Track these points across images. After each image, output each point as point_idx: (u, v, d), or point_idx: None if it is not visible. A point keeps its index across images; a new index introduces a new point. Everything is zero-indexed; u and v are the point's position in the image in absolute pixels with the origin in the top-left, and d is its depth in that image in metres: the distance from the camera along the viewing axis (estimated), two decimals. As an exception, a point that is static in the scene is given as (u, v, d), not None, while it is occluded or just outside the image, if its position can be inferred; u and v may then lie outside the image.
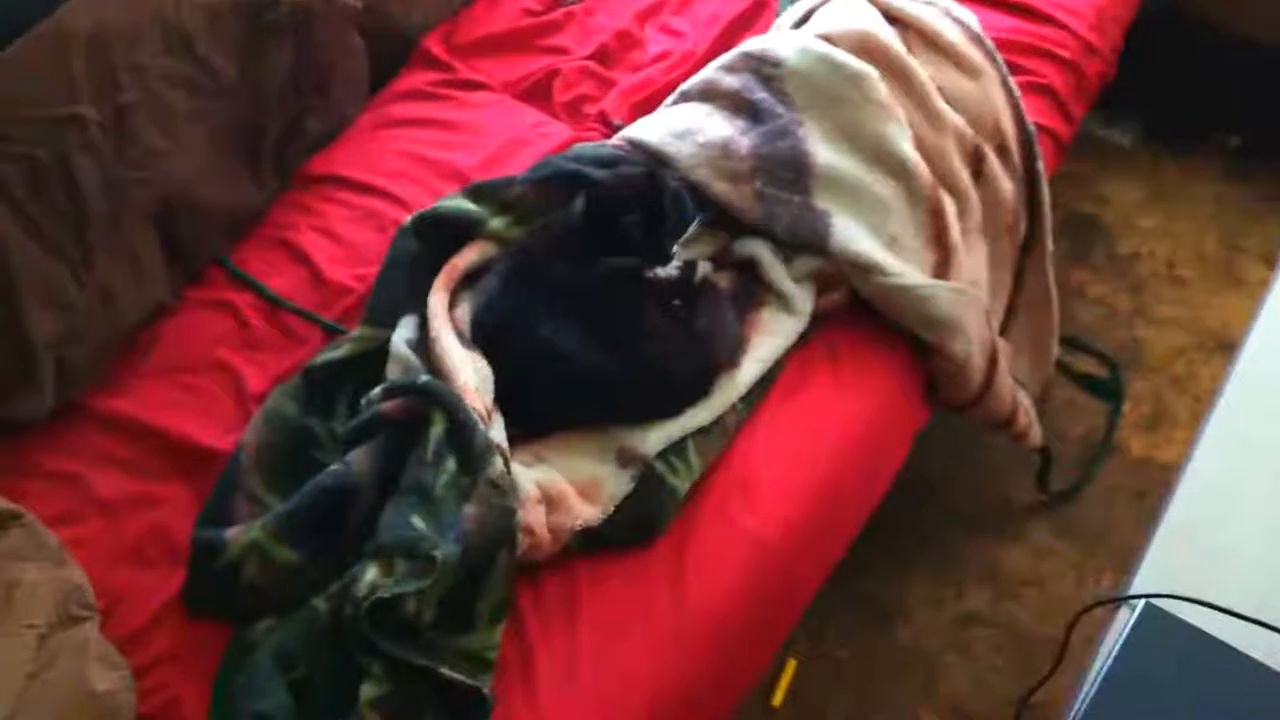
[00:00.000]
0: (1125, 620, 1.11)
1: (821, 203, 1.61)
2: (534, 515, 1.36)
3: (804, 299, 1.60)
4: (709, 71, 1.73)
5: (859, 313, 1.63)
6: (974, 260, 1.73)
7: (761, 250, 1.62)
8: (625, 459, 1.43)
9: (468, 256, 1.57)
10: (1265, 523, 1.18)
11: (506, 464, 1.36)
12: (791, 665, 1.85)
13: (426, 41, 2.02)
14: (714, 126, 1.65)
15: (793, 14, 1.86)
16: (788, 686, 1.84)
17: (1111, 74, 2.08)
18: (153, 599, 1.37)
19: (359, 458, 1.37)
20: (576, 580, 1.38)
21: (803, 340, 1.59)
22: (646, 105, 1.86)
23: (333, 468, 1.37)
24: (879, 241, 1.60)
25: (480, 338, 1.49)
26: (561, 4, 2.09)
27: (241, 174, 1.74)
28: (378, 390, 1.43)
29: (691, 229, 1.53)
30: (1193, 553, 1.16)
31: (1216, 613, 1.08)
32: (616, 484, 1.42)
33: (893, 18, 1.80)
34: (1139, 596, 1.11)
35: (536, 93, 1.96)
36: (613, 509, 1.40)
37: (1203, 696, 1.05)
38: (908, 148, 1.64)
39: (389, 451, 1.38)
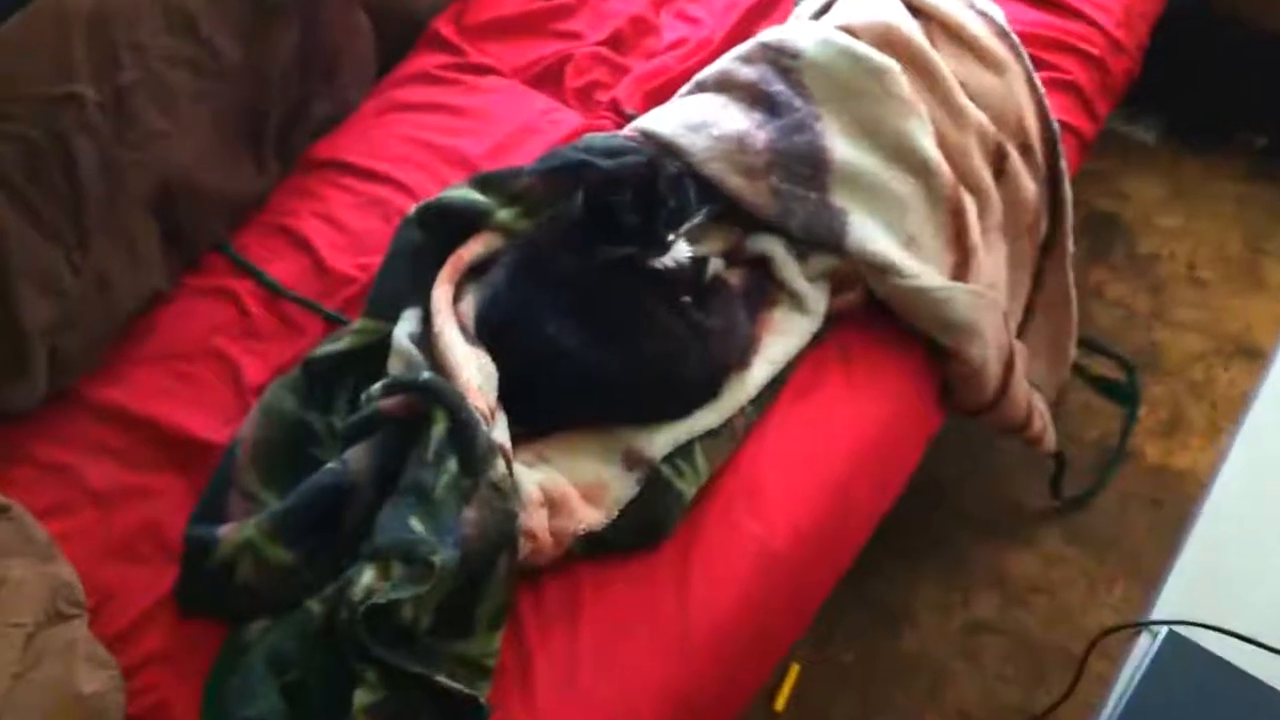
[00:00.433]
0: (1146, 646, 1.07)
1: (839, 200, 1.56)
2: (536, 519, 1.32)
3: (818, 299, 1.56)
4: (725, 62, 1.68)
5: (874, 314, 1.59)
6: (993, 261, 1.69)
7: (775, 247, 1.58)
8: (631, 461, 1.40)
9: (473, 249, 1.53)
10: (1293, 548, 1.14)
11: (509, 465, 1.32)
12: (795, 669, 1.82)
13: (436, 23, 1.98)
14: (730, 119, 1.60)
15: (812, 3, 1.81)
16: (791, 691, 1.81)
17: (1138, 71, 2.03)
18: (144, 596, 1.34)
19: (357, 455, 1.34)
20: (579, 585, 1.35)
21: (815, 341, 1.55)
22: (660, 94, 1.81)
23: (330, 466, 1.33)
24: (897, 241, 1.56)
25: (484, 333, 1.45)
26: (575, -14, 2.04)
27: (243, 158, 1.70)
28: (378, 386, 1.39)
29: (697, 219, 1.48)
30: (1217, 577, 1.12)
31: (1241, 642, 1.04)
32: (621, 487, 1.38)
33: (916, 9, 1.75)
34: (1162, 623, 1.07)
35: (547, 78, 1.91)
36: (617, 513, 1.37)
37: (1225, 729, 1.02)
38: (929, 145, 1.59)
39: (388, 450, 1.35)
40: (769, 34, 1.68)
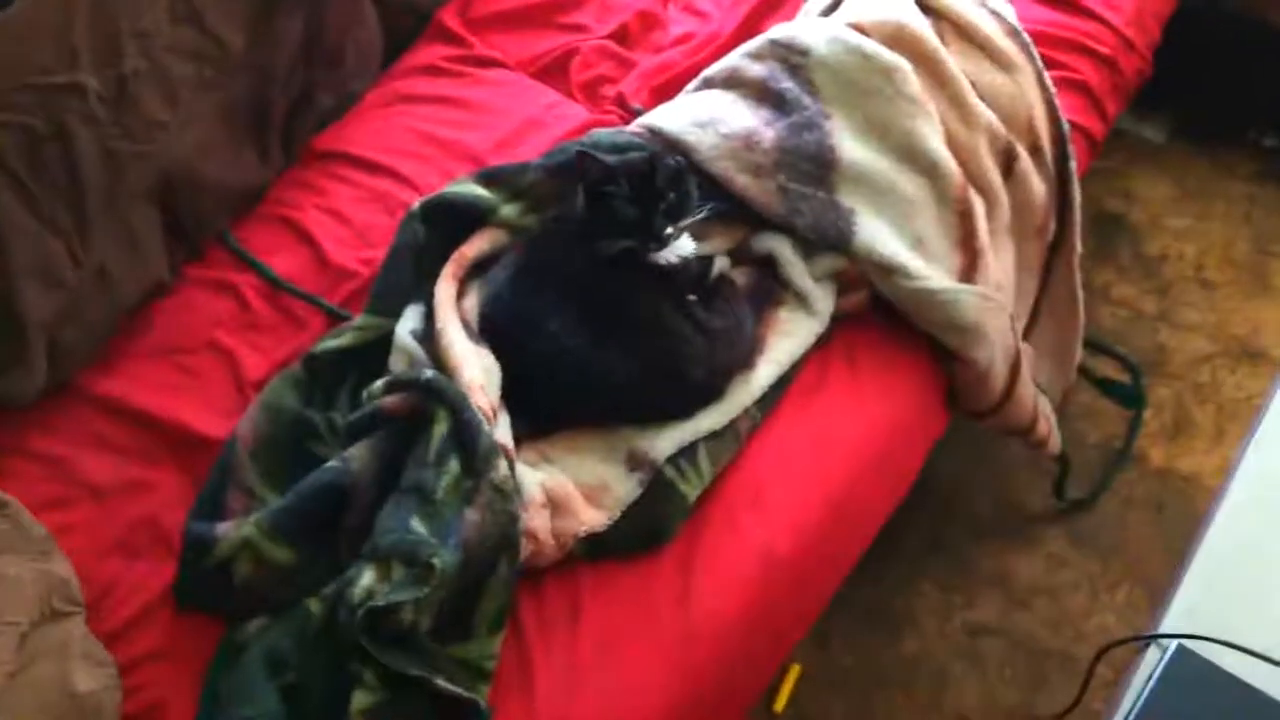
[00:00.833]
0: (1155, 660, 1.06)
1: (846, 200, 1.55)
2: (538, 520, 1.31)
3: (824, 299, 1.55)
4: (734, 58, 1.66)
5: (880, 315, 1.57)
6: (1001, 262, 1.67)
7: (781, 247, 1.56)
8: (634, 462, 1.38)
9: (477, 245, 1.51)
10: (1305, 561, 1.13)
11: (511, 466, 1.31)
12: (795, 671, 1.82)
13: (441, 14, 1.96)
14: (737, 116, 1.58)
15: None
16: (791, 692, 1.80)
17: (1148, 71, 2.01)
18: (142, 592, 1.34)
19: (358, 454, 1.33)
20: (580, 588, 1.34)
21: (821, 342, 1.54)
22: (667, 89, 1.80)
23: (330, 464, 1.32)
24: (904, 242, 1.54)
25: (488, 331, 1.44)
26: (582, -21, 2.02)
27: (247, 149, 1.69)
28: (380, 383, 1.38)
29: (700, 215, 1.46)
30: (1227, 590, 1.11)
31: (1251, 658, 1.03)
32: (624, 488, 1.37)
33: (927, 7, 1.73)
34: (1170, 636, 1.06)
35: (553, 71, 1.90)
36: (619, 514, 1.36)
37: (1234, 746, 1.01)
38: (938, 145, 1.58)
39: (389, 448, 1.34)
40: (778, 31, 1.66)
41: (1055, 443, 1.83)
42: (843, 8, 1.73)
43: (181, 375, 1.52)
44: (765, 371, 1.48)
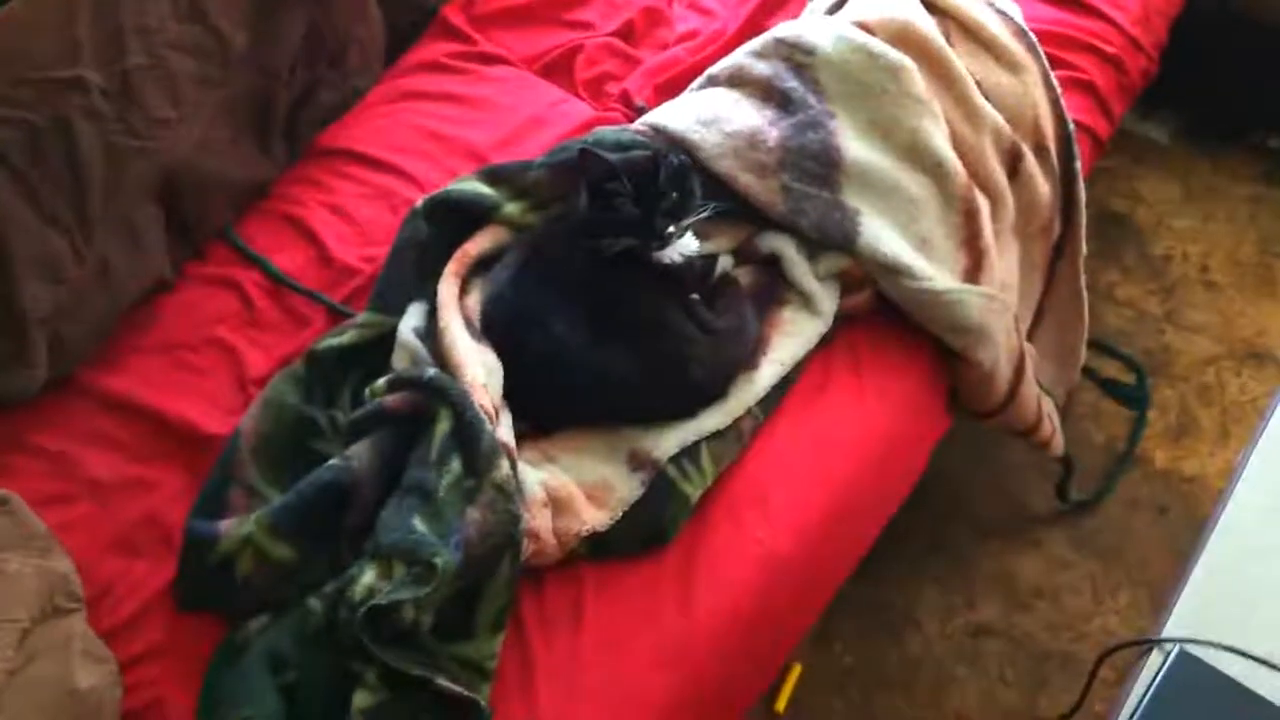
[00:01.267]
0: (1156, 664, 1.06)
1: (851, 200, 1.54)
2: (540, 519, 1.31)
3: (827, 299, 1.54)
4: (738, 56, 1.65)
5: (883, 315, 1.57)
6: (1006, 262, 1.67)
7: (785, 246, 1.56)
8: (637, 462, 1.38)
9: (480, 243, 1.51)
10: (1309, 566, 1.13)
11: (513, 465, 1.30)
12: (797, 670, 1.81)
13: (446, 11, 1.95)
14: (741, 115, 1.58)
15: (827, -2, 1.78)
16: (792, 692, 1.80)
17: (1154, 70, 2.00)
18: (142, 589, 1.33)
19: (360, 452, 1.33)
20: (582, 588, 1.33)
21: (824, 342, 1.53)
22: (672, 86, 1.79)
23: (332, 462, 1.32)
24: (909, 243, 1.53)
25: (490, 330, 1.43)
26: (587, -24, 2.02)
27: (250, 146, 1.68)
28: (382, 381, 1.38)
29: (703, 214, 1.46)
30: (1230, 595, 1.11)
31: (1253, 663, 1.03)
32: (626, 488, 1.36)
33: (933, 6, 1.72)
34: (1172, 640, 1.06)
35: (558, 68, 1.89)
36: (621, 514, 1.35)
37: (1236, 752, 1.00)
38: (943, 145, 1.57)
39: (391, 447, 1.33)
40: (783, 29, 1.66)
41: (1059, 444, 1.83)
42: (848, 6, 1.73)
43: (184, 372, 1.52)
44: (768, 371, 1.48)
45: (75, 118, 1.47)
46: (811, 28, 1.63)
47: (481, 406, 1.32)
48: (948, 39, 1.69)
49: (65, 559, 1.26)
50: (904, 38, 1.62)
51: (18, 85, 1.44)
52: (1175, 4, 2.07)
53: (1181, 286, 2.27)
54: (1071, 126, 1.75)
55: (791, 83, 1.59)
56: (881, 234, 1.53)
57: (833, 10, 1.75)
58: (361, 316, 1.49)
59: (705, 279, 1.51)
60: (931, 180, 1.56)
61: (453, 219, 1.53)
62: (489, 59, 1.89)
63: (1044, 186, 1.71)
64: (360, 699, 1.18)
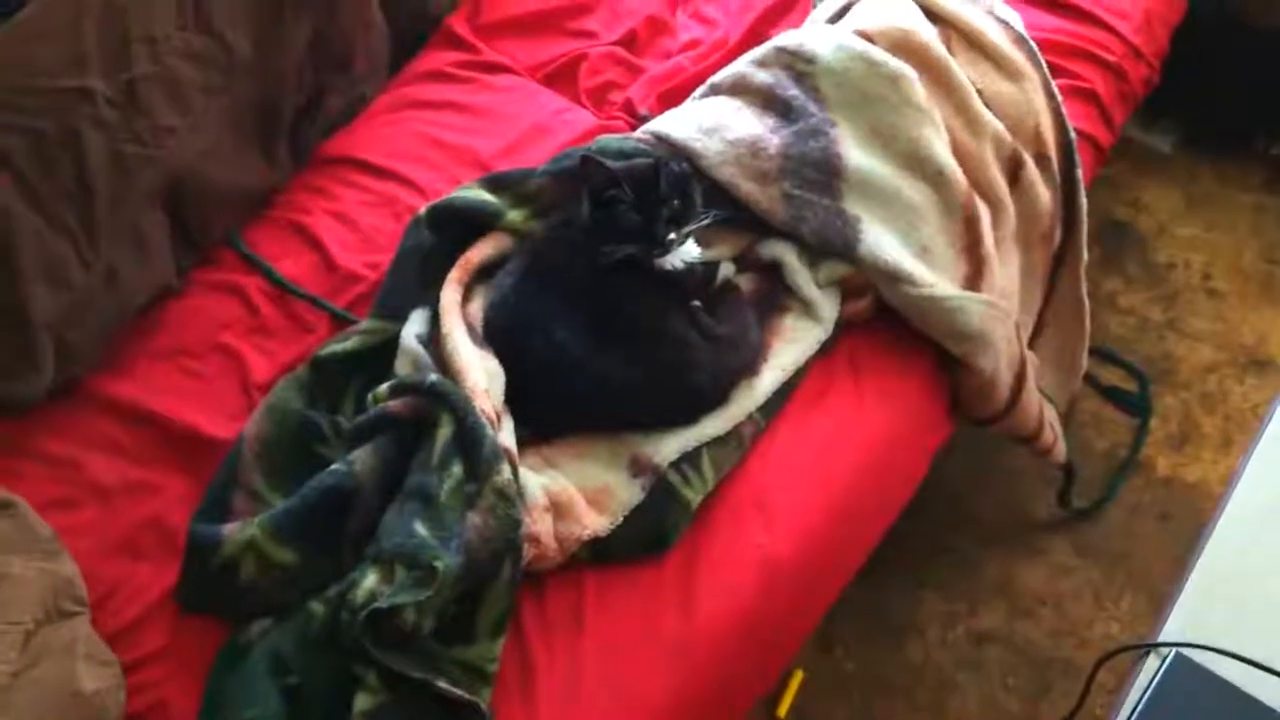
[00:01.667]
0: (1153, 668, 1.06)
1: (852, 207, 1.55)
2: (541, 524, 1.31)
3: (828, 306, 1.55)
4: (740, 65, 1.66)
5: (884, 322, 1.57)
6: (1007, 270, 1.67)
7: (786, 253, 1.56)
8: (638, 467, 1.39)
9: (483, 250, 1.52)
10: (1306, 570, 1.13)
11: (514, 470, 1.31)
12: (799, 676, 1.82)
13: (450, 20, 1.97)
14: (743, 123, 1.59)
15: (829, 6, 1.79)
16: (794, 698, 1.80)
17: (1155, 79, 2.01)
18: (146, 592, 1.34)
19: (362, 456, 1.33)
20: (583, 592, 1.34)
21: (825, 349, 1.54)
22: (674, 95, 1.80)
23: (335, 466, 1.33)
24: (910, 250, 1.54)
25: (493, 336, 1.44)
26: (591, -15, 2.03)
27: (255, 154, 1.69)
28: (385, 387, 1.39)
29: (705, 221, 1.47)
30: (1227, 599, 1.11)
31: (1250, 667, 1.03)
32: (627, 493, 1.37)
33: (934, 15, 1.73)
34: (1169, 645, 1.06)
35: (561, 77, 1.91)
36: (622, 519, 1.36)
37: (1232, 756, 1.01)
38: (944, 153, 1.58)
39: (393, 452, 1.34)
40: (784, 38, 1.67)
41: (1061, 451, 1.83)
42: (849, 15, 1.74)
43: (188, 377, 1.53)
44: (769, 377, 1.49)
45: (82, 126, 1.48)
46: (812, 36, 1.65)
47: (483, 412, 1.33)
48: (949, 47, 1.70)
49: (70, 562, 1.27)
50: (904, 46, 1.63)
51: (25, 94, 1.46)
52: (1177, 12, 2.08)
53: (1184, 294, 2.27)
54: (1073, 134, 1.76)
55: (792, 91, 1.60)
56: (882, 241, 1.54)
57: (834, 19, 1.76)
58: (365, 323, 1.51)
59: (707, 285, 1.52)
60: (932, 188, 1.57)
61: (456, 226, 1.54)
62: (493, 68, 1.91)
63: (1045, 194, 1.71)
64: (361, 702, 1.19)
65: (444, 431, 1.31)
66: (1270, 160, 2.45)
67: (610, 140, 1.61)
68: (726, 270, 1.57)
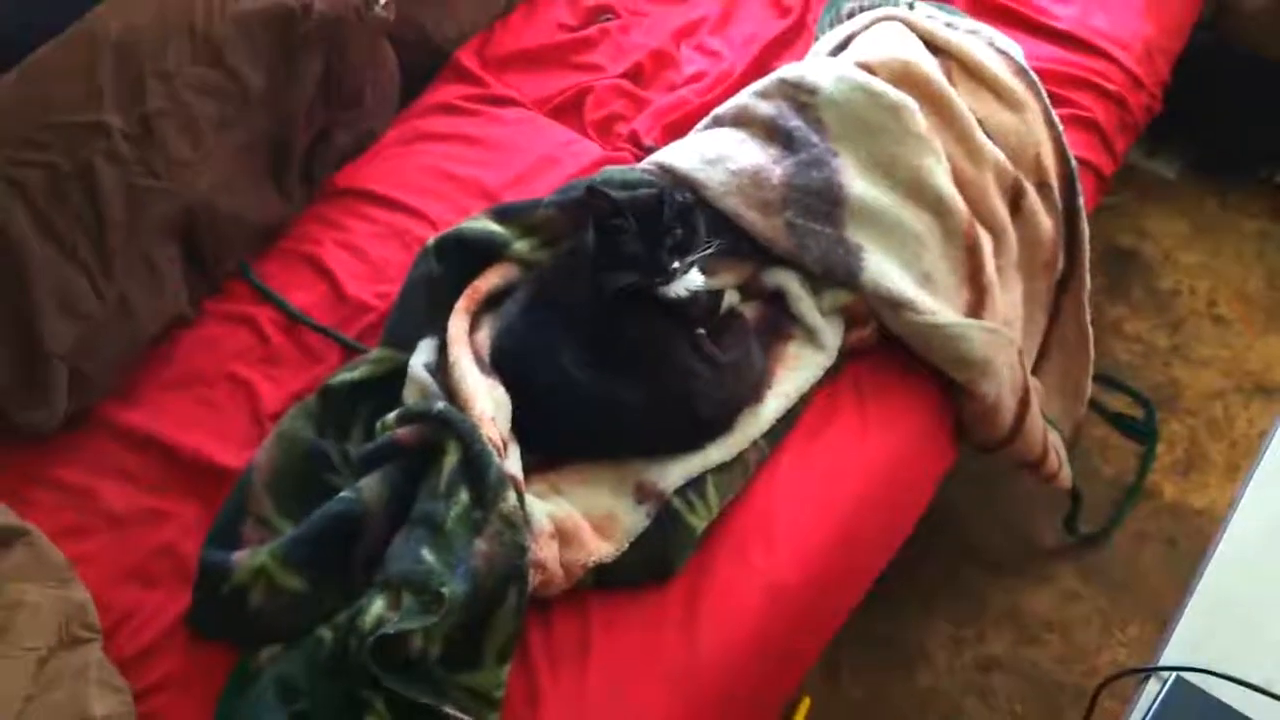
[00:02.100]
0: (1154, 692, 1.06)
1: (854, 236, 1.57)
2: (547, 550, 1.33)
3: (832, 334, 1.57)
4: (743, 97, 1.69)
5: (887, 349, 1.59)
6: (1009, 297, 1.69)
7: (790, 282, 1.58)
8: (643, 494, 1.40)
9: (490, 280, 1.54)
10: (1307, 594, 1.14)
11: (520, 497, 1.33)
12: (806, 703, 1.81)
13: (459, 54, 2.00)
14: (746, 154, 1.61)
15: (831, 39, 1.82)
16: (802, 725, 1.80)
17: (1157, 107, 2.03)
18: (158, 619, 1.36)
19: (370, 484, 1.35)
20: (588, 619, 1.35)
21: (829, 376, 1.55)
22: (679, 126, 1.83)
23: (343, 494, 1.34)
24: (912, 278, 1.56)
25: (499, 364, 1.46)
26: (597, 20, 2.06)
27: (267, 186, 1.72)
28: (393, 415, 1.41)
29: (708, 251, 1.49)
30: (1229, 622, 1.11)
31: (1250, 691, 1.04)
32: (632, 520, 1.38)
33: (935, 47, 1.76)
34: (1169, 669, 1.07)
35: (568, 110, 1.94)
36: (628, 546, 1.37)
37: (1232, 780, 1.01)
38: (945, 182, 1.60)
39: (401, 479, 1.36)
40: (787, 70, 1.69)
41: (1066, 477, 1.83)
42: (851, 47, 1.76)
43: (200, 407, 1.55)
44: (773, 404, 1.50)
45: (97, 160, 1.52)
46: (814, 68, 1.67)
47: (490, 439, 1.34)
48: (950, 78, 1.72)
49: (83, 590, 1.29)
50: (905, 77, 1.66)
51: (42, 129, 1.50)
52: (1178, 42, 2.10)
53: (1189, 321, 2.28)
54: (1074, 163, 1.78)
55: (795, 122, 1.62)
56: (885, 269, 1.55)
57: (836, 51, 1.79)
58: (374, 352, 1.53)
59: (711, 314, 1.54)
60: (933, 217, 1.59)
61: (463, 256, 1.56)
62: (501, 101, 1.94)
63: (1046, 222, 1.73)
64: (369, 726, 1.20)
65: (451, 459, 1.33)
66: (1275, 187, 2.46)
67: (615, 171, 1.64)
68: (731, 298, 1.58)
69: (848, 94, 1.62)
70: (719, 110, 1.71)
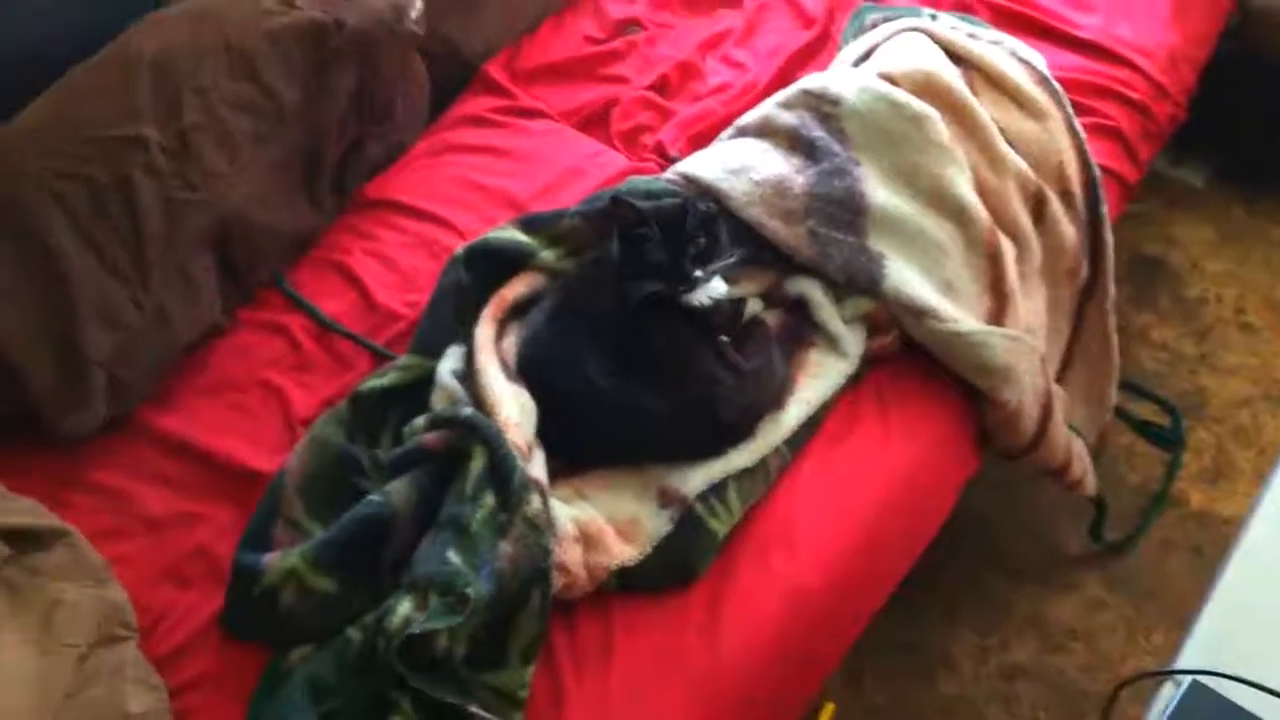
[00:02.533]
0: (1170, 696, 1.07)
1: (876, 244, 1.59)
2: (571, 554, 1.35)
3: (854, 341, 1.58)
4: (766, 107, 1.71)
5: (910, 357, 1.60)
6: (1032, 305, 1.70)
7: (812, 290, 1.60)
8: (666, 499, 1.42)
9: (516, 288, 1.57)
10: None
11: (545, 501, 1.35)
12: (830, 709, 1.82)
13: (488, 67, 2.03)
14: (769, 164, 1.63)
15: (854, 50, 1.84)
16: (825, 730, 1.81)
17: (1182, 116, 2.03)
18: (192, 619, 1.39)
19: (399, 488, 1.38)
20: (612, 621, 1.37)
21: (851, 383, 1.57)
22: (704, 137, 1.85)
23: (372, 498, 1.37)
24: (934, 286, 1.57)
25: (525, 371, 1.49)
26: (624, 33, 2.09)
27: (300, 197, 1.76)
28: (421, 420, 1.44)
29: (730, 260, 1.51)
30: (1247, 626, 1.12)
31: (1267, 695, 1.04)
32: (655, 524, 1.40)
33: (957, 57, 1.77)
34: (1185, 672, 1.08)
35: (595, 121, 1.96)
36: (650, 550, 1.39)
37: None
38: (967, 191, 1.61)
39: (429, 483, 1.38)
40: (810, 80, 1.72)
41: (1090, 484, 1.84)
42: (874, 58, 1.78)
43: (234, 412, 1.59)
44: (795, 411, 1.52)
45: (136, 173, 1.55)
46: (837, 79, 1.69)
47: (515, 444, 1.37)
48: (972, 88, 1.74)
49: (120, 589, 1.33)
50: (927, 88, 1.67)
51: (83, 144, 1.54)
52: (1204, 51, 2.11)
53: (1217, 329, 2.28)
54: (1097, 171, 1.78)
55: (817, 132, 1.64)
56: (906, 277, 1.57)
57: (859, 62, 1.81)
58: (403, 359, 1.56)
59: (734, 321, 1.55)
60: (955, 225, 1.60)
61: (491, 265, 1.59)
62: (529, 113, 1.97)
63: (1069, 230, 1.74)
64: (396, 725, 1.23)
65: (477, 463, 1.35)
66: (1303, 196, 2.46)
67: (640, 181, 1.66)
68: (754, 306, 1.60)
69: (870, 104, 1.64)
70: (743, 120, 1.73)
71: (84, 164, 1.53)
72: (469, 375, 1.48)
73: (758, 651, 1.36)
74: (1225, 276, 2.35)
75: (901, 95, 1.64)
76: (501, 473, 1.34)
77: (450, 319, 1.56)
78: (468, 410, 1.41)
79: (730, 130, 1.74)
